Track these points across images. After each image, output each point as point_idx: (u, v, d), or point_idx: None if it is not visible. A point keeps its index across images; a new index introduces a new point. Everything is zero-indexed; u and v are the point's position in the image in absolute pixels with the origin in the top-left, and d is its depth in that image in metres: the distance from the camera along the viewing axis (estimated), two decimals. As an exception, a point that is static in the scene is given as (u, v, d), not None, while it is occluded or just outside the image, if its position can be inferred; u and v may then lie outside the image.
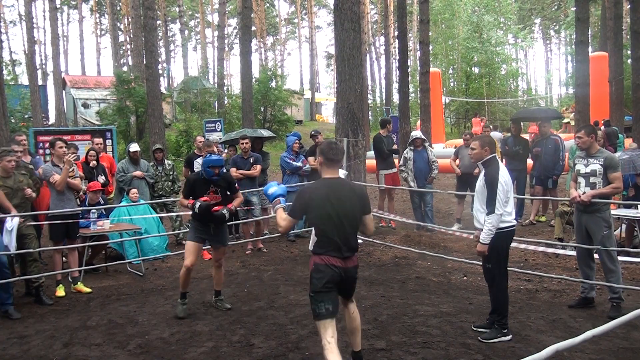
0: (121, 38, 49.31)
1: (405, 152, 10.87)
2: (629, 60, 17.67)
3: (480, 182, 5.35)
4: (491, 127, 17.91)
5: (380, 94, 50.33)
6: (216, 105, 30.70)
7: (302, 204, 4.16)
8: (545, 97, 46.05)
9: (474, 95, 36.12)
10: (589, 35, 18.24)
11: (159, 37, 40.11)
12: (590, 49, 18.07)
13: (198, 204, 6.14)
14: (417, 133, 11.04)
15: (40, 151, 12.14)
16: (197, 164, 9.35)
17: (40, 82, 35.16)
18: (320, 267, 4.11)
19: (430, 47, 27.33)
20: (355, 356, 4.54)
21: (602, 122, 16.99)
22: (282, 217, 4.25)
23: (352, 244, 4.23)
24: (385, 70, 36.65)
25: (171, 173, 10.13)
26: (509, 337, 5.23)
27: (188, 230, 6.74)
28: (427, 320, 5.87)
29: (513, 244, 8.10)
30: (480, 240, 5.23)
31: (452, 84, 42.10)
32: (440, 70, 31.33)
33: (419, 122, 20.05)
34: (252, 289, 7.32)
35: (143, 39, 20.12)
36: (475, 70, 39.24)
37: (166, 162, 10.26)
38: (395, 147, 11.33)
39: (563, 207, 8.75)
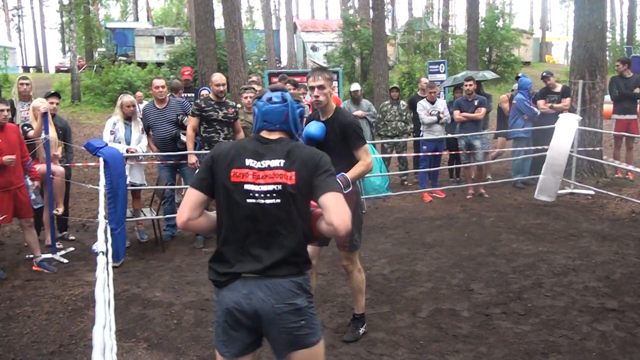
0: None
1: None
2: None
3: None
4: None
5: (620, 31, 45.48)
6: (440, 46, 30.12)
7: None
8: None
9: None
10: None
11: (385, -21, 40.09)
12: None
13: None
14: None
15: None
16: (421, 106, 9.28)
17: (274, 27, 37.29)
18: None
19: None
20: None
21: None
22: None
23: None
24: (629, 3, 32.92)
25: (405, 113, 10.06)
26: None
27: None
28: (668, 283, 5.32)
29: None
30: None
31: None
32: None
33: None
34: (473, 234, 7.20)
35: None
36: None
37: (401, 102, 10.22)
38: (637, 90, 10.13)
39: None
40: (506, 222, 7.69)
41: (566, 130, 8.17)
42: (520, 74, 11.23)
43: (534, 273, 5.69)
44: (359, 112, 9.82)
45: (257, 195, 2.43)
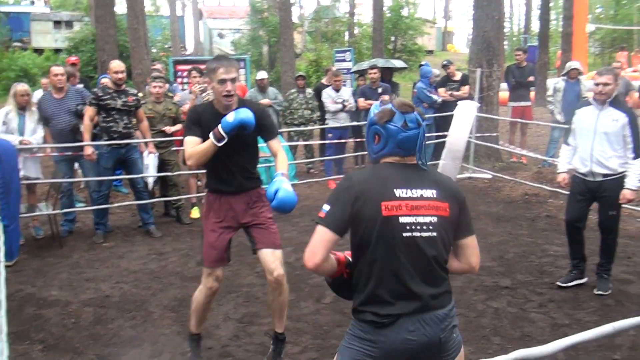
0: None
1: (556, 82, 10.20)
2: None
3: (615, 123, 4.66)
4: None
5: (518, 22, 47.56)
6: (347, 34, 30.46)
7: None
8: None
9: (623, 22, 33.18)
10: None
11: (292, -34, 40.01)
12: None
13: None
14: (574, 63, 10.03)
15: (179, 80, 12.69)
16: (326, 95, 9.37)
17: (179, 13, 36.50)
18: None
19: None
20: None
21: None
22: None
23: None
24: (525, -5, 34.44)
25: (311, 102, 10.04)
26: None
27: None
28: (555, 261, 5.67)
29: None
30: (631, 187, 4.64)
31: (598, 10, 38.89)
32: (586, -6, 28.95)
33: (559, 52, 18.79)
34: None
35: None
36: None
37: (307, 90, 10.20)
38: (531, 78, 10.67)
39: None
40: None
41: (465, 117, 8.48)
42: (424, 62, 11.56)
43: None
44: (265, 101, 9.79)
45: (413, 228, 2.25)
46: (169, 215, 7.73)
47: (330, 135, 9.42)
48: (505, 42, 31.75)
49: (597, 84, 4.67)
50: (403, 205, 2.24)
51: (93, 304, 4.90)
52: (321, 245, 2.29)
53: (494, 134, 10.35)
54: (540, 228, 6.90)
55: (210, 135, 3.39)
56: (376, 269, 2.27)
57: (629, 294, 4.88)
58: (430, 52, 33.04)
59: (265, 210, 3.77)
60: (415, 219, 2.25)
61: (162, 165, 7.25)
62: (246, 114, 3.36)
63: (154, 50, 22.64)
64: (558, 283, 5.02)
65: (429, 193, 2.29)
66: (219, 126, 3.36)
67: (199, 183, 8.30)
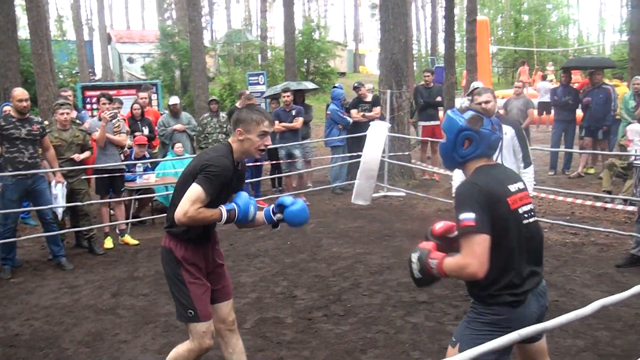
0: (165, -9, 49.21)
1: (462, 101, 10.62)
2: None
3: (504, 136, 4.72)
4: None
5: (425, 44, 49.22)
6: (259, 58, 30.57)
7: None
8: (597, 45, 44.32)
9: (523, 44, 35.02)
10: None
11: (202, -10, 39.85)
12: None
13: None
14: (478, 83, 10.50)
15: (88, 106, 12.34)
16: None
17: (86, 38, 35.56)
18: None
19: (478, -6, 26.48)
20: None
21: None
22: None
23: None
24: (431, 19, 35.67)
25: (225, 125, 9.94)
26: None
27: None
28: (469, 274, 5.84)
29: (559, 197, 8.01)
30: None
31: (500, 33, 40.87)
32: (488, 18, 30.36)
33: (464, 73, 19.55)
34: (295, 241, 7.38)
35: (185, -9, 20.03)
36: (525, 17, 37.96)
37: (221, 114, 10.12)
38: (439, 98, 11.06)
39: (613, 160, 8.49)
40: (326, 227, 7.99)
41: (377, 137, 8.69)
42: (337, 84, 11.77)
43: (353, 274, 5.97)
44: (178, 126, 9.68)
45: (527, 215, 2.58)
46: (80, 247, 7.45)
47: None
48: (415, 64, 32.80)
49: (479, 104, 4.87)
50: (517, 198, 2.56)
51: (1, 344, 4.64)
52: (487, 252, 2.42)
53: (406, 153, 10.64)
54: (453, 242, 7.10)
55: (224, 210, 3.15)
56: (512, 257, 2.52)
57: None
58: (342, 74, 33.62)
59: (221, 252, 3.57)
60: (526, 208, 2.59)
61: (71, 195, 6.99)
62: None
63: (60, 76, 21.88)
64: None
65: (521, 185, 2.63)
66: (237, 211, 3.17)
67: (112, 212, 8.09)
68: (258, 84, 16.40)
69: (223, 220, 3.15)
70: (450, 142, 2.69)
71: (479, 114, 2.64)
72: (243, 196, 3.26)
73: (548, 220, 7.43)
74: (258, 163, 9.49)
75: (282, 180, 10.54)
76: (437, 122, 10.97)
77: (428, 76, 11.12)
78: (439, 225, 2.79)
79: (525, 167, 4.89)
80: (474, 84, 10.27)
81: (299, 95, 10.90)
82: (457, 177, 4.92)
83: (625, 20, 34.19)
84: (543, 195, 8.30)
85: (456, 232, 2.57)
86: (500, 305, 2.52)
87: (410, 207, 9.10)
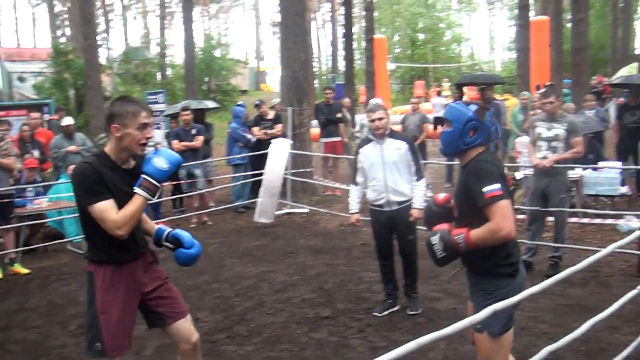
0: (58, 7, 47.38)
1: (362, 118, 10.81)
2: (569, 24, 17.93)
3: (398, 151, 5.04)
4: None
5: (326, 61, 50.01)
6: (159, 76, 29.97)
7: None
8: (488, 62, 46.58)
9: (419, 61, 36.28)
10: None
11: (97, 6, 38.72)
12: (532, 12, 18.25)
13: None
14: (376, 100, 10.74)
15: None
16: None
17: (-28, 56, 33.63)
18: None
19: (376, 14, 27.25)
20: None
21: (543, 85, 17.30)
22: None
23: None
24: (331, 37, 36.29)
25: None
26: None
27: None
28: (371, 287, 5.94)
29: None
30: (418, 207, 5.03)
31: (397, 51, 42.17)
32: (385, 36, 31.26)
33: (363, 89, 20.02)
34: (197, 263, 7.21)
35: (80, 8, 19.37)
36: (421, 36, 39.34)
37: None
38: (339, 115, 11.23)
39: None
40: (229, 247, 7.89)
41: (279, 154, 8.71)
42: (241, 102, 11.72)
43: (257, 293, 5.92)
44: (72, 148, 9.28)
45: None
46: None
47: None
48: (316, 81, 33.23)
49: (372, 121, 5.02)
50: (509, 177, 2.92)
51: None
52: (513, 215, 2.82)
53: (309, 170, 10.71)
54: (356, 257, 7.21)
55: (139, 190, 2.88)
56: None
57: (438, 311, 5.24)
58: (244, 91, 33.55)
59: (159, 268, 3.27)
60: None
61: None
62: (171, 153, 3.14)
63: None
64: (374, 313, 5.24)
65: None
66: (148, 177, 2.92)
67: (0, 240, 7.64)
68: (157, 102, 16.05)
69: (145, 194, 2.90)
70: (457, 130, 2.94)
71: (483, 108, 3.00)
72: (157, 160, 3.04)
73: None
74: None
75: (184, 200, 10.32)
76: (339, 139, 11.13)
77: (329, 93, 11.28)
78: (442, 196, 3.21)
79: (417, 180, 5.11)
80: (372, 101, 10.54)
81: (200, 114, 10.77)
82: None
83: (512, 39, 36.20)
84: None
85: (480, 204, 2.81)
86: (515, 275, 2.95)
87: (313, 223, 9.16)
